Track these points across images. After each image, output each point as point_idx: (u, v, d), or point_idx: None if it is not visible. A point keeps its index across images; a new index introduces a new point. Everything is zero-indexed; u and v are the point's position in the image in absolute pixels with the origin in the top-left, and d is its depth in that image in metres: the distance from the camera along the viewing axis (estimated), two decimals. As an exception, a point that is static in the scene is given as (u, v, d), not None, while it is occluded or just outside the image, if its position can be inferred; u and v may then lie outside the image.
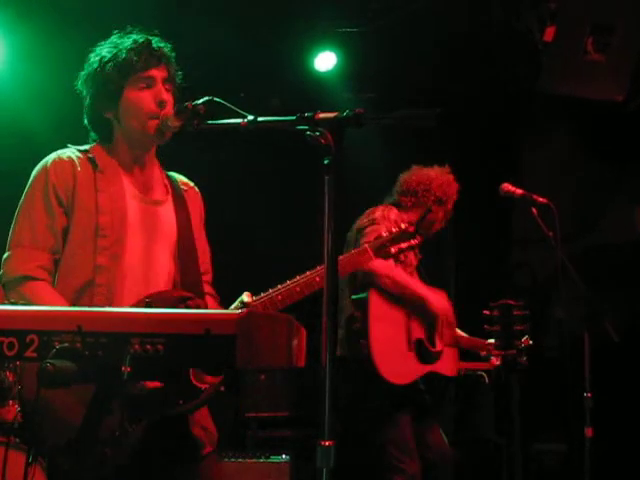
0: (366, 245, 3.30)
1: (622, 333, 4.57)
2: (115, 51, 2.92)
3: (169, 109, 2.86)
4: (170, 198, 3.05)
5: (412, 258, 4.53)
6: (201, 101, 2.62)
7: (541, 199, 4.44)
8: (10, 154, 5.99)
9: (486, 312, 4.16)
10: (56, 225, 2.82)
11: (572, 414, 4.50)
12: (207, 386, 2.64)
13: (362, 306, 4.27)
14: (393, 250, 3.30)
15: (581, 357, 4.35)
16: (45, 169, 2.87)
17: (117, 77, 2.89)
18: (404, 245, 3.31)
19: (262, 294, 2.99)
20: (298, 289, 3.00)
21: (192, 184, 3.22)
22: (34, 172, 2.90)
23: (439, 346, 4.40)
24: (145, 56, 2.89)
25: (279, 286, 3.02)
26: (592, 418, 4.24)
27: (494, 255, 6.08)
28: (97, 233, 2.81)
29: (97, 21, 5.53)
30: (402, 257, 3.97)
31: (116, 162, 2.96)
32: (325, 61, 6.78)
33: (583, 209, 6.61)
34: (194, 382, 2.61)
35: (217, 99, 2.60)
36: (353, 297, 4.33)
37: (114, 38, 2.99)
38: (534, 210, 4.44)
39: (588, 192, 6.73)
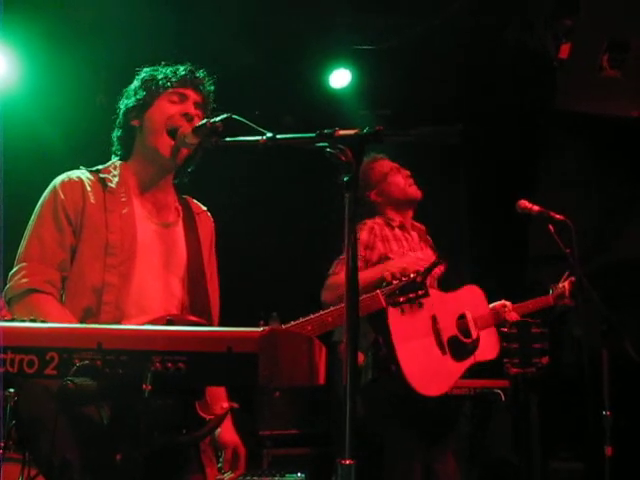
0: (378, 292, 3.45)
1: (640, 351, 4.53)
2: (157, 71, 3.02)
3: (187, 127, 2.86)
4: (181, 221, 3.04)
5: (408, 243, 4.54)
6: (219, 118, 2.62)
7: (558, 216, 4.42)
8: (25, 171, 6.02)
9: (504, 330, 4.14)
10: (65, 242, 2.81)
11: (591, 432, 4.46)
12: (212, 417, 2.58)
13: (382, 330, 4.25)
14: (402, 299, 3.43)
15: (599, 375, 4.31)
16: (55, 189, 2.88)
17: (153, 88, 2.96)
18: (412, 295, 3.46)
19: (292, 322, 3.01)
20: (309, 327, 3.04)
21: (205, 208, 3.21)
22: (45, 192, 2.91)
23: (474, 334, 4.32)
24: (185, 77, 2.98)
25: (292, 322, 3.03)
26: (612, 437, 4.20)
27: (510, 272, 6.05)
28: (106, 251, 2.80)
29: (112, 38, 5.57)
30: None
31: (129, 182, 2.96)
32: (340, 78, 6.80)
33: (600, 227, 6.58)
34: (200, 412, 2.56)
35: (235, 116, 2.60)
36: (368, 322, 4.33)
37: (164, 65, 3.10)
38: (551, 227, 4.42)
39: (604, 210, 6.70)
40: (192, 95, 2.98)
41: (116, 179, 2.95)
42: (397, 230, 4.52)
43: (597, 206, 6.70)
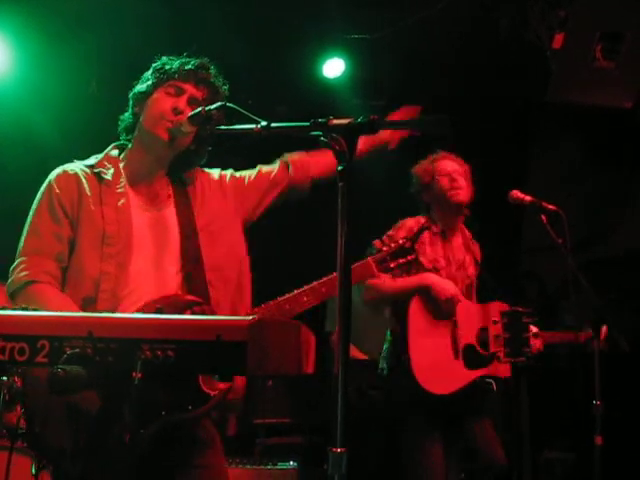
0: (369, 258, 3.35)
1: (632, 342, 4.55)
2: (171, 61, 3.04)
3: (182, 116, 2.87)
4: (172, 203, 3.03)
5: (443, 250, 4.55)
6: (214, 106, 2.63)
7: (550, 206, 4.43)
8: (17, 162, 6.01)
9: (496, 319, 4.15)
10: (62, 234, 2.85)
11: (581, 422, 4.48)
12: (216, 393, 2.64)
13: (402, 320, 4.29)
14: (392, 265, 3.38)
15: (591, 365, 4.33)
16: (50, 183, 2.92)
17: (158, 77, 2.99)
18: (402, 260, 3.40)
19: (270, 301, 2.98)
20: (305, 298, 3.00)
21: (207, 171, 3.19)
22: (41, 187, 2.95)
23: (492, 348, 4.32)
24: (188, 71, 2.98)
25: (287, 295, 3.01)
26: (602, 426, 4.22)
27: (504, 263, 6.07)
28: (103, 242, 2.83)
29: (106, 29, 5.56)
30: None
31: (125, 173, 2.99)
32: (334, 68, 6.79)
33: (592, 218, 6.60)
34: (204, 388, 2.61)
35: (230, 104, 2.61)
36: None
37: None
38: (543, 217, 4.42)
39: (597, 201, 6.71)
40: (190, 89, 2.97)
41: (111, 171, 2.97)
42: (438, 236, 4.51)
43: (590, 198, 6.71)
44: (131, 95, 3.07)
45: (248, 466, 5.36)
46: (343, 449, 1.92)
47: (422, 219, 4.47)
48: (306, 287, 3.04)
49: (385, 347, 4.48)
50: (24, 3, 5.72)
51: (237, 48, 6.02)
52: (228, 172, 3.23)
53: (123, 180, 2.96)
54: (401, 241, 3.40)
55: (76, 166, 2.97)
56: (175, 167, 3.07)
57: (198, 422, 2.82)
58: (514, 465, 4.80)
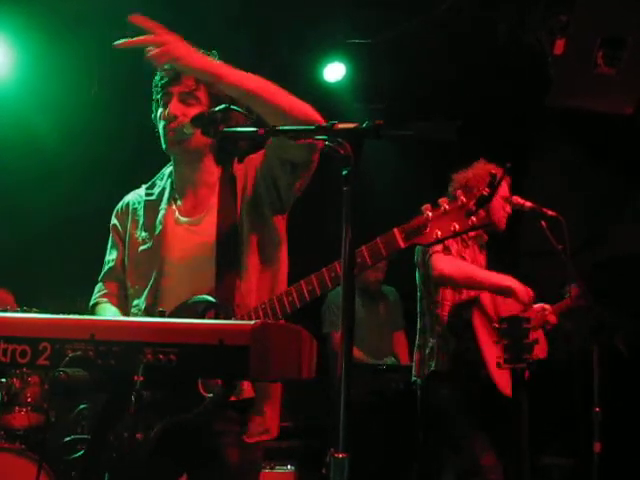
0: (395, 230, 2.76)
1: (631, 347, 4.55)
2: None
3: (183, 118, 2.86)
4: (214, 209, 2.94)
5: (481, 259, 4.57)
6: (218, 108, 2.61)
7: (550, 212, 4.43)
8: (18, 163, 6.01)
9: (495, 325, 4.14)
10: (117, 258, 3.08)
11: (580, 428, 4.48)
12: (211, 395, 2.57)
13: (467, 334, 4.30)
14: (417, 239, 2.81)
15: (590, 371, 4.33)
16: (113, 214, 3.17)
17: (154, 95, 3.01)
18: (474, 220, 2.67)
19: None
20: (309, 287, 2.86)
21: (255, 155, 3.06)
22: None
23: (532, 335, 4.23)
24: (165, 73, 2.95)
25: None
26: (601, 433, 4.22)
27: (502, 268, 6.06)
28: (138, 247, 3.00)
29: (106, 30, 5.56)
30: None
31: (170, 187, 3.06)
32: (334, 72, 6.80)
33: (591, 223, 6.60)
34: (201, 391, 2.57)
35: (234, 107, 2.60)
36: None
37: None
38: (543, 223, 4.42)
39: (596, 206, 6.71)
40: (175, 89, 2.93)
41: (159, 189, 3.08)
42: (471, 241, 4.55)
43: (589, 202, 6.71)
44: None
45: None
46: (345, 454, 1.92)
47: None
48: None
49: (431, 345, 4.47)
50: (25, 4, 5.72)
51: (238, 52, 6.02)
52: None
53: (167, 195, 3.04)
54: (476, 191, 2.67)
55: (134, 193, 3.15)
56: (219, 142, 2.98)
57: (200, 429, 2.79)
58: (512, 471, 4.79)
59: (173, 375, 1.93)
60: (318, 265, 2.76)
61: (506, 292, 4.28)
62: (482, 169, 4.49)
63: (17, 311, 2.07)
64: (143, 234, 2.99)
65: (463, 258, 4.44)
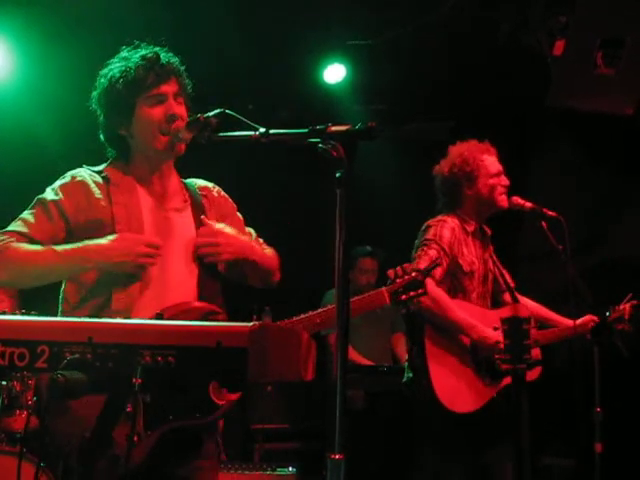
0: (384, 289, 3.42)
1: (632, 348, 4.55)
2: (124, 68, 2.91)
3: (180, 122, 2.86)
4: (189, 207, 3.03)
5: (481, 253, 4.50)
6: (213, 113, 2.61)
7: (551, 212, 4.41)
8: (18, 164, 6.01)
9: (495, 326, 4.15)
10: (53, 230, 2.83)
11: (581, 429, 4.48)
12: (225, 402, 2.59)
13: (418, 342, 4.25)
14: (404, 297, 3.45)
15: (591, 371, 4.32)
16: (55, 188, 2.90)
17: (128, 95, 2.89)
18: (412, 294, 3.48)
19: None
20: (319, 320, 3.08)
21: (211, 185, 3.19)
22: (46, 190, 2.92)
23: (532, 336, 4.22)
24: (155, 72, 2.89)
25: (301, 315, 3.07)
26: (602, 433, 4.22)
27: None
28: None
29: (107, 31, 5.56)
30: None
31: (132, 177, 2.97)
32: (334, 73, 6.80)
33: (592, 223, 6.59)
34: (213, 398, 2.57)
35: (229, 111, 2.60)
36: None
37: (123, 54, 2.99)
38: (544, 224, 4.41)
39: (597, 205, 6.71)
40: (168, 89, 2.91)
41: (119, 174, 2.97)
42: (470, 237, 4.45)
43: (590, 202, 6.71)
44: (105, 119, 2.98)
45: (247, 471, 5.35)
46: (341, 455, 1.92)
47: (456, 220, 4.41)
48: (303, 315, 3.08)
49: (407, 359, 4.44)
50: (25, 6, 5.72)
51: (238, 53, 6.04)
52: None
53: (132, 180, 2.96)
54: (414, 274, 3.47)
55: (84, 171, 2.96)
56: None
57: (205, 433, 2.81)
58: (513, 472, 4.79)
59: (172, 377, 1.93)
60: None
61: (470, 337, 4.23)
62: (475, 146, 4.51)
63: (15, 314, 2.06)
64: (118, 214, 2.88)
65: (463, 255, 4.39)
